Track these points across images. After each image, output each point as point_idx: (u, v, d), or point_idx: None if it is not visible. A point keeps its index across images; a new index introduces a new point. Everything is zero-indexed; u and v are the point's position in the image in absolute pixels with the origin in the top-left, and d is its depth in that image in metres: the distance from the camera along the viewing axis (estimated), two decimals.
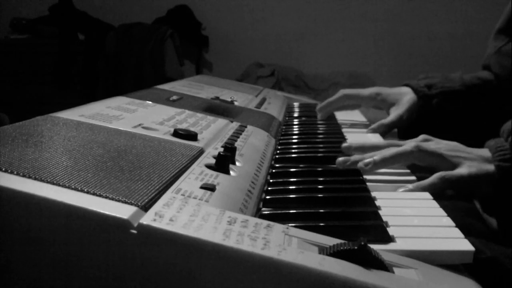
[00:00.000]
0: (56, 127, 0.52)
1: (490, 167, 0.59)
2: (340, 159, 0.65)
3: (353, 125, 0.95)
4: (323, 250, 0.36)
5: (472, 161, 0.61)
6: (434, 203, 0.52)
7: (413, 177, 0.62)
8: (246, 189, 0.50)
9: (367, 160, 0.62)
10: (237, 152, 0.57)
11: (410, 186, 0.59)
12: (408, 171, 0.64)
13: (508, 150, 0.59)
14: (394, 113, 0.89)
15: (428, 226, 0.46)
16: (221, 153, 0.51)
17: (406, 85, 0.93)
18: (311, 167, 0.64)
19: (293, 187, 0.57)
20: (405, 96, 0.90)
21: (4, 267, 0.36)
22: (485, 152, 0.62)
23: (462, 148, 0.63)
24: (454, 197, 0.61)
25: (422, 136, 0.67)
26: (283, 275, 0.33)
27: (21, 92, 2.75)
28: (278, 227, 0.38)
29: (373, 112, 1.01)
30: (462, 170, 0.60)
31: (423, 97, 0.87)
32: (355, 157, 0.65)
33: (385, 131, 0.87)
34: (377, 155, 0.63)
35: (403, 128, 0.90)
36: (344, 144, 0.70)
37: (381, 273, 0.35)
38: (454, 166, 0.61)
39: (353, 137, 0.82)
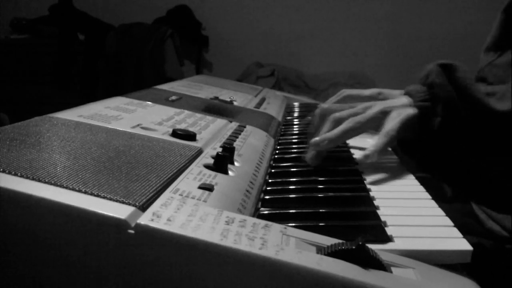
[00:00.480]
0: (54, 127, 0.52)
1: (413, 111, 0.64)
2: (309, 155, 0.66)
3: None
4: (321, 250, 0.36)
5: (397, 109, 0.65)
6: (433, 203, 0.52)
7: (413, 177, 0.62)
8: (245, 189, 0.49)
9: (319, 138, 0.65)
10: (235, 152, 0.57)
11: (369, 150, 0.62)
12: (408, 170, 0.65)
13: (426, 91, 0.65)
14: None
15: (427, 226, 0.46)
16: (220, 153, 0.51)
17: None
18: (310, 167, 0.64)
19: (292, 187, 0.57)
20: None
21: (2, 267, 0.36)
22: (405, 99, 0.67)
23: (381, 102, 0.68)
24: (452, 198, 0.61)
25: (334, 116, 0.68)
26: (280, 275, 0.33)
27: (21, 92, 2.75)
28: (276, 227, 0.38)
29: None
30: (393, 121, 0.64)
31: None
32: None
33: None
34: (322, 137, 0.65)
35: None
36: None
37: (379, 272, 0.35)
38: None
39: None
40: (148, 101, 0.75)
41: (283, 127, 0.91)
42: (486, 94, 0.63)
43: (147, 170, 0.44)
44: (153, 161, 0.47)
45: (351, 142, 0.79)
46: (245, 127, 0.73)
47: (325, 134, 0.65)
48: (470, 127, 0.61)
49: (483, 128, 0.61)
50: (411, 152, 0.67)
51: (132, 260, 0.34)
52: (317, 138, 0.65)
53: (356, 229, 0.46)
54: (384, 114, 0.66)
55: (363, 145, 0.76)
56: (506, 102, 0.61)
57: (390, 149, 0.74)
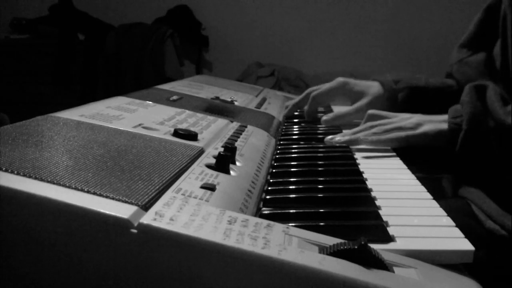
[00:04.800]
0: (56, 127, 0.52)
1: (445, 125, 0.70)
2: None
3: (353, 125, 0.94)
4: (323, 250, 0.36)
5: (430, 123, 0.72)
6: (434, 203, 0.52)
7: (414, 177, 0.62)
8: (246, 189, 0.50)
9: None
10: (237, 152, 0.57)
11: (369, 138, 0.72)
12: (407, 169, 0.65)
13: (460, 110, 0.69)
14: (355, 105, 0.92)
15: (428, 226, 0.46)
16: (221, 153, 0.52)
17: (375, 80, 0.96)
18: (311, 167, 0.64)
19: (293, 186, 0.57)
20: (371, 89, 0.92)
21: (4, 266, 0.36)
22: (445, 115, 0.72)
23: (419, 115, 0.75)
24: (453, 197, 0.61)
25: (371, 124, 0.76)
26: (283, 275, 0.33)
27: (21, 92, 2.75)
28: (278, 227, 0.38)
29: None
30: (420, 129, 0.72)
31: (390, 90, 0.91)
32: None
33: (342, 123, 0.89)
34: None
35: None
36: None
37: (381, 272, 0.35)
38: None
39: None
40: (149, 101, 0.75)
41: (284, 127, 0.91)
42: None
43: (149, 169, 0.44)
44: (155, 161, 0.47)
45: None
46: (246, 127, 0.73)
47: (348, 134, 0.75)
48: (492, 140, 0.65)
49: (502, 142, 0.64)
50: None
51: (134, 259, 0.34)
52: (338, 137, 0.75)
53: (358, 229, 0.46)
54: (416, 125, 0.73)
55: (365, 145, 0.76)
56: None
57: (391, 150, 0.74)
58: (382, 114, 0.80)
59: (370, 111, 0.81)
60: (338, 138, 0.75)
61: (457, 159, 0.68)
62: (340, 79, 0.98)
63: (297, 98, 1.03)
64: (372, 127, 0.76)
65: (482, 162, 0.67)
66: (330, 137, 0.77)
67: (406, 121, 0.75)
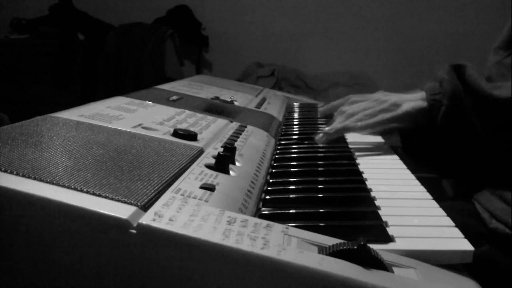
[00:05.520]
0: (55, 127, 0.52)
1: (424, 103, 0.72)
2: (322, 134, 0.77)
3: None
4: (323, 250, 0.36)
5: (409, 101, 0.74)
6: (434, 203, 0.52)
7: (414, 177, 0.62)
8: (246, 189, 0.50)
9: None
10: (237, 152, 0.57)
11: (358, 124, 0.74)
12: (407, 169, 0.65)
13: (438, 87, 0.71)
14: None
15: (428, 226, 0.46)
16: (221, 153, 0.51)
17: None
18: (311, 167, 0.64)
19: (293, 187, 0.57)
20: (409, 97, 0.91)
21: (4, 267, 0.36)
22: (420, 93, 0.75)
23: (396, 95, 0.77)
24: (453, 197, 0.61)
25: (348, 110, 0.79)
26: (282, 275, 0.33)
27: (21, 92, 2.75)
28: (277, 227, 0.38)
29: None
30: (401, 109, 0.74)
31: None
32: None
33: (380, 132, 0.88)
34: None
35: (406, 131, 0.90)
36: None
37: (381, 272, 0.35)
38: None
39: (353, 137, 0.82)
40: (149, 101, 0.75)
41: (283, 127, 0.91)
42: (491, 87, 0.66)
43: (149, 170, 0.44)
44: (155, 161, 0.47)
45: (351, 140, 0.79)
46: (246, 127, 0.73)
47: (335, 124, 0.76)
48: (473, 116, 0.66)
49: (485, 116, 0.65)
50: (414, 150, 0.73)
51: (133, 259, 0.34)
52: (327, 128, 0.77)
53: (358, 229, 0.46)
54: (396, 106, 0.74)
55: (364, 145, 0.76)
56: (507, 90, 0.65)
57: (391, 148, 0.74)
58: (355, 99, 0.82)
59: (344, 108, 0.83)
60: (327, 129, 0.77)
61: (439, 136, 0.69)
62: (380, 94, 0.99)
63: (336, 101, 1.00)
64: (352, 114, 0.77)
65: (462, 139, 0.67)
66: (319, 136, 0.78)
67: (385, 103, 0.76)
